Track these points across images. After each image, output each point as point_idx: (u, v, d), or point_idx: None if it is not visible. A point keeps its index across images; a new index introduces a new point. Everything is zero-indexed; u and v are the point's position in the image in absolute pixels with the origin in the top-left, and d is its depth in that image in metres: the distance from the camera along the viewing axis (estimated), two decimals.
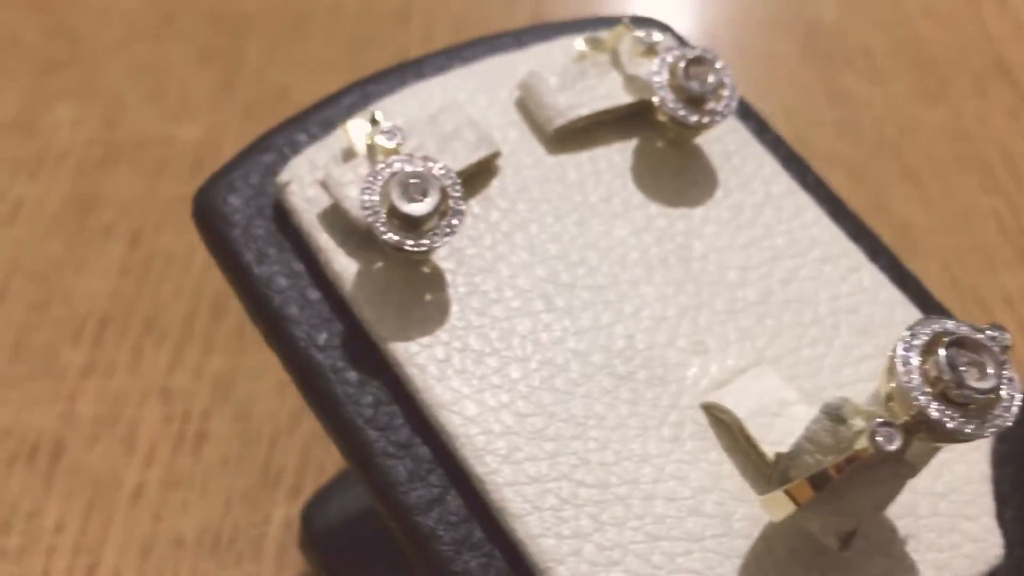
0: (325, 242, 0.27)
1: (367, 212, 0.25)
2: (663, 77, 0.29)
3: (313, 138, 0.30)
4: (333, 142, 0.29)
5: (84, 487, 0.41)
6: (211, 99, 0.58)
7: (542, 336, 0.26)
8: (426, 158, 0.26)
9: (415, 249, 0.25)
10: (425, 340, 0.26)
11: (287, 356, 0.26)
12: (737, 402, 0.25)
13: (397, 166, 0.25)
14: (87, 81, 0.59)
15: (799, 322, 0.28)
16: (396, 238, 0.25)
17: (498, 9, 0.65)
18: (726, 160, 0.30)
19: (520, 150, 0.29)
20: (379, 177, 0.25)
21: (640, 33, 0.30)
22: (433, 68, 0.32)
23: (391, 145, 0.26)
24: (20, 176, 0.53)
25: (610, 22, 0.34)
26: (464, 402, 0.25)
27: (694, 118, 0.29)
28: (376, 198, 0.25)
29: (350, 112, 0.30)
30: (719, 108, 0.29)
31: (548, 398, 0.25)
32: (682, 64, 0.28)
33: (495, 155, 0.29)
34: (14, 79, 0.58)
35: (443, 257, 0.27)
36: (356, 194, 0.27)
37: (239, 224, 0.28)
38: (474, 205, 0.28)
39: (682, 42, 0.33)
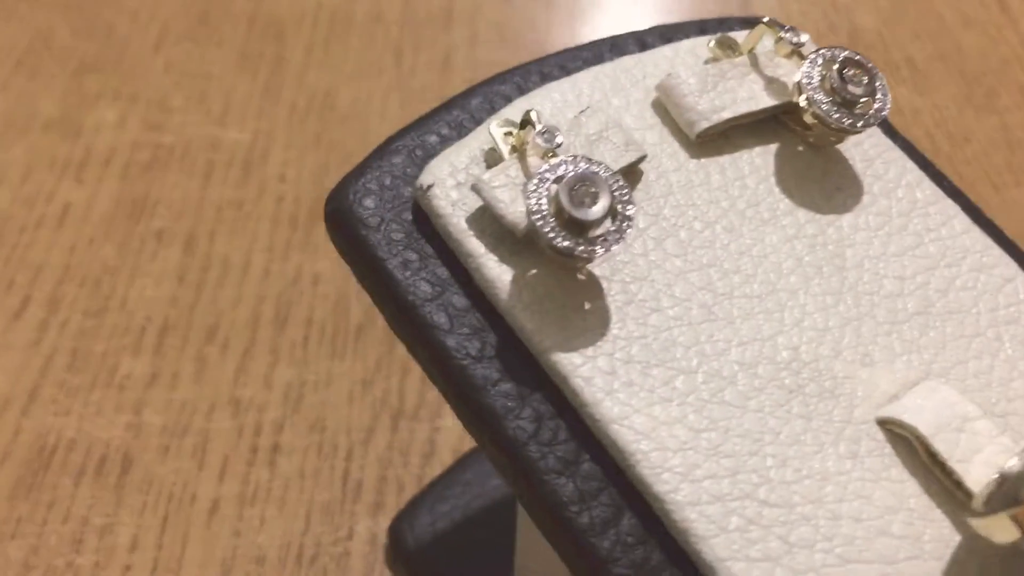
0: (475, 247, 0.26)
1: (536, 217, 0.24)
2: (815, 79, 0.28)
3: (444, 140, 0.28)
4: (472, 143, 0.27)
5: (158, 502, 0.39)
6: (255, 103, 0.56)
7: (705, 347, 0.25)
8: (590, 160, 0.25)
9: (585, 256, 0.24)
10: (588, 351, 0.25)
11: (439, 368, 0.25)
12: (916, 417, 0.24)
13: (564, 168, 0.24)
14: (126, 82, 0.57)
15: (962, 334, 0.27)
16: (567, 244, 0.24)
17: (538, 13, 0.64)
18: (867, 165, 0.29)
19: (661, 154, 0.28)
20: (545, 180, 0.24)
21: (786, 33, 0.28)
22: (557, 69, 0.31)
23: (549, 146, 0.25)
24: (65, 178, 0.51)
25: (730, 23, 0.33)
26: (635, 416, 0.24)
27: (847, 121, 0.28)
28: (544, 202, 0.24)
29: (478, 113, 0.29)
30: (870, 112, 0.28)
31: (719, 412, 0.24)
32: (835, 66, 0.28)
33: (641, 159, 0.27)
34: (51, 79, 0.57)
35: (595, 264, 0.26)
36: (509, 198, 0.25)
37: (378, 228, 0.26)
38: None
39: None
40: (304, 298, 0.47)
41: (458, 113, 0.29)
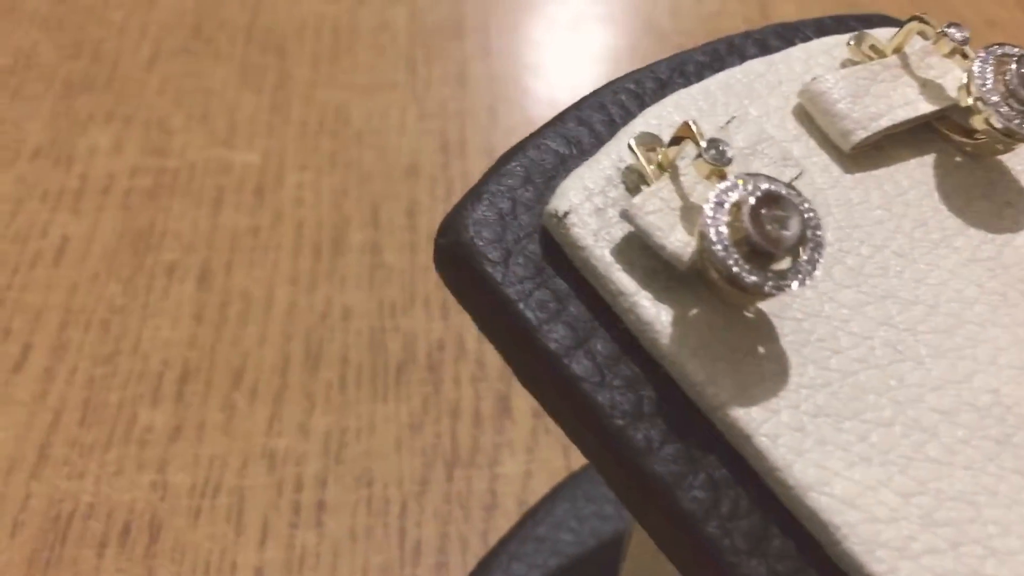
0: (626, 284, 0.22)
1: (717, 248, 0.20)
2: (988, 79, 0.24)
3: (564, 159, 0.24)
4: (604, 162, 0.23)
5: (194, 573, 0.35)
6: (262, 120, 0.52)
7: (897, 394, 0.22)
8: (770, 178, 0.21)
9: (774, 291, 0.20)
10: (771, 404, 0.21)
11: (592, 428, 0.21)
12: None
13: (743, 189, 0.20)
14: (120, 102, 0.52)
15: None
16: (755, 279, 0.20)
17: (550, 21, 0.60)
18: None
19: (812, 169, 0.25)
20: (723, 203, 0.20)
21: (950, 29, 0.25)
22: (677, 75, 0.27)
23: (719, 164, 0.21)
24: (60, 209, 0.46)
25: (846, 22, 0.29)
26: (835, 481, 0.20)
27: None
28: (723, 230, 0.20)
29: (597, 127, 0.25)
30: None
31: (927, 471, 0.21)
32: (1013, 65, 0.24)
33: (799, 176, 0.24)
34: (37, 101, 0.52)
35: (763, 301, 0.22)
36: (667, 225, 0.21)
37: (504, 263, 0.22)
38: None
39: None
40: (336, 334, 0.42)
41: (574, 127, 0.25)
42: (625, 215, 0.22)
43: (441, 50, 0.58)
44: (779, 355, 0.21)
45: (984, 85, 0.24)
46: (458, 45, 0.58)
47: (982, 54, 0.24)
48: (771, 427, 0.20)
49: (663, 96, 0.26)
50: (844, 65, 0.27)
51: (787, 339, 0.22)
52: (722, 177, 0.21)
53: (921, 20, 0.25)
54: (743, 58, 0.27)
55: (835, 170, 0.25)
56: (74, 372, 0.40)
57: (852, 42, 0.26)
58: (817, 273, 0.20)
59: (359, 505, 0.37)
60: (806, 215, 0.20)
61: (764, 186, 0.20)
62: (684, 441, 0.21)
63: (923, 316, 0.23)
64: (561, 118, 0.26)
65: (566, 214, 0.22)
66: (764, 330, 0.22)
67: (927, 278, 0.23)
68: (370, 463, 0.38)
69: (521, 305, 0.22)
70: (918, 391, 0.22)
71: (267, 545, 0.36)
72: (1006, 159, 0.26)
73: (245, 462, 0.38)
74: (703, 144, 0.21)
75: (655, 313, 0.21)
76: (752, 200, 0.20)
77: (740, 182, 0.21)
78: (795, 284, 0.20)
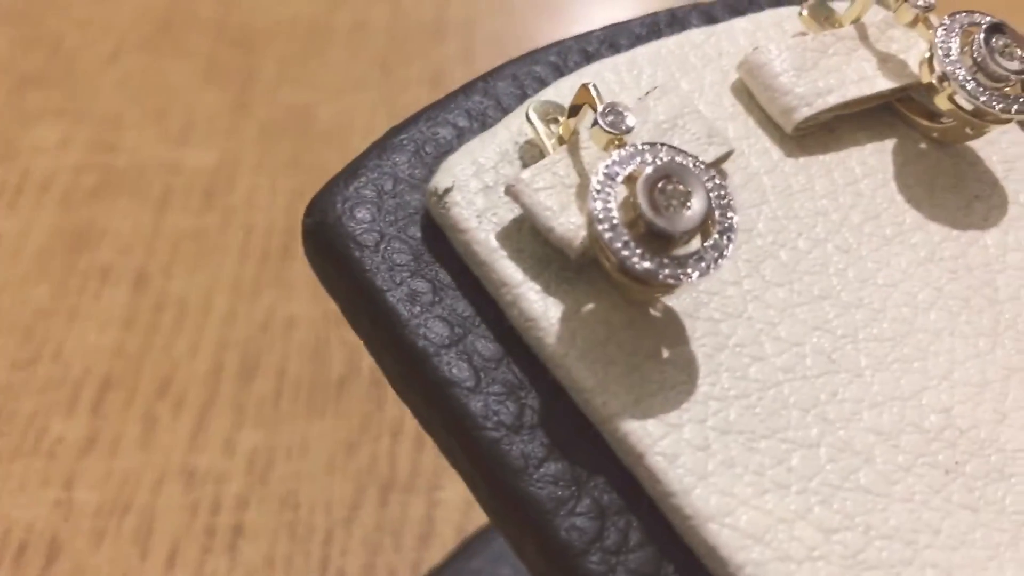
0: (510, 273, 0.18)
1: (603, 227, 0.17)
2: (953, 51, 0.21)
3: (463, 133, 0.21)
4: (502, 135, 0.20)
5: None
6: (222, 121, 0.49)
7: (827, 410, 0.18)
8: (674, 149, 0.18)
9: (671, 282, 0.17)
10: (671, 417, 0.17)
11: (461, 441, 0.18)
12: None
13: (639, 160, 0.17)
14: (73, 98, 0.50)
15: None
16: (648, 266, 0.17)
17: (541, 23, 0.57)
18: (1009, 168, 0.23)
19: (748, 151, 0.21)
20: (614, 176, 0.17)
21: None
22: (605, 47, 0.24)
23: (616, 132, 0.18)
24: None
25: None
26: (741, 511, 0.17)
27: (998, 105, 0.21)
28: (613, 207, 0.17)
29: (506, 100, 0.22)
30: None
31: (856, 503, 0.17)
32: (980, 35, 0.21)
33: (727, 155, 0.20)
34: None
35: (675, 295, 0.19)
36: (559, 204, 0.18)
37: (376, 248, 0.19)
38: None
39: None
40: (276, 346, 0.39)
41: (480, 99, 0.22)
42: (510, 191, 0.19)
43: (419, 51, 0.55)
44: (687, 361, 0.18)
45: (948, 58, 0.21)
46: (439, 46, 0.55)
47: (946, 22, 0.21)
48: (669, 444, 0.17)
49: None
50: (797, 37, 0.23)
51: (699, 342, 0.18)
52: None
53: None
54: (685, 30, 0.24)
55: (775, 153, 0.21)
56: None
57: (804, 12, 0.23)
58: (723, 263, 0.17)
59: (280, 530, 0.34)
60: (714, 193, 0.17)
61: (665, 157, 0.17)
62: (568, 459, 0.18)
63: (866, 321, 0.19)
64: (466, 89, 0.23)
65: (447, 191, 0.19)
66: (672, 331, 0.18)
67: (875, 278, 0.20)
68: (298, 485, 0.35)
69: (389, 295, 0.19)
70: (853, 408, 0.18)
71: (174, 571, 0.32)
72: (978, 146, 0.23)
73: (160, 479, 0.35)
74: (600, 108, 0.18)
75: (542, 308, 0.18)
76: (648, 171, 0.17)
77: (639, 151, 0.17)
78: (696, 274, 0.17)
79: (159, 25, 0.55)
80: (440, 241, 0.19)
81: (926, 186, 0.22)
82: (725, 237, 0.17)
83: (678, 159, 0.17)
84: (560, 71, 0.23)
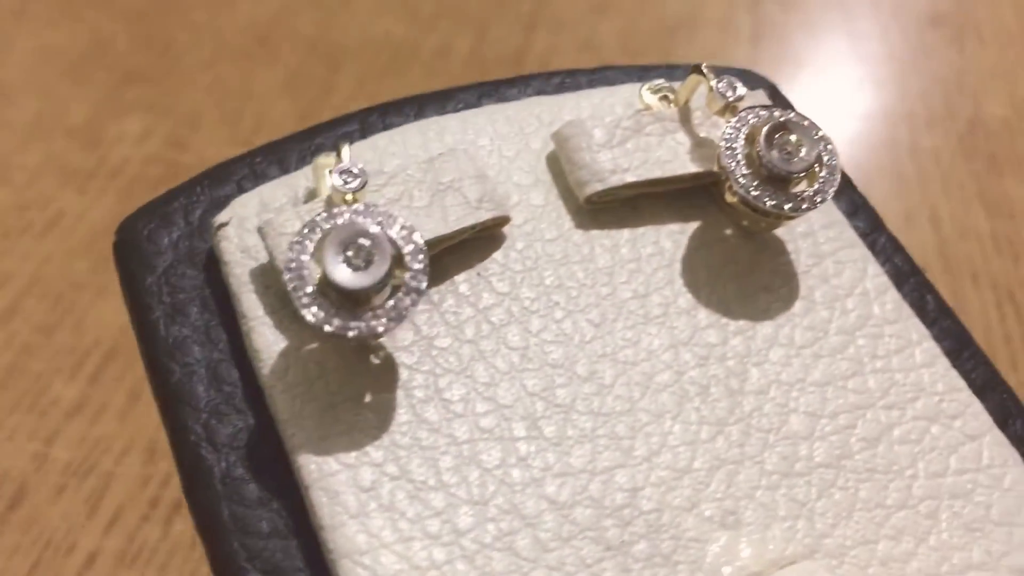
0: (250, 306, 0.20)
1: (289, 276, 0.18)
2: (738, 144, 0.21)
3: (286, 173, 0.23)
4: (299, 180, 0.22)
5: (34, 545, 0.35)
6: (286, 127, 0.52)
7: (513, 473, 0.19)
8: (387, 213, 0.19)
9: (341, 334, 0.18)
10: (350, 456, 0.19)
11: (175, 450, 0.20)
12: None
13: (342, 219, 0.19)
14: (165, 96, 0.54)
15: (881, 502, 0.20)
16: (319, 316, 0.18)
17: (619, 63, 0.58)
18: (816, 263, 0.23)
19: (541, 218, 0.22)
20: (315, 231, 0.19)
21: (719, 83, 0.22)
22: (463, 103, 0.25)
23: (347, 190, 0.20)
24: (68, 187, 0.49)
25: (725, 74, 0.27)
26: (381, 553, 0.18)
27: (771, 202, 0.21)
28: (304, 258, 0.18)
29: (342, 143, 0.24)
30: (810, 193, 0.21)
31: (500, 563, 0.18)
32: (766, 129, 0.21)
33: (500, 221, 0.22)
34: (92, 86, 0.55)
35: (405, 345, 0.20)
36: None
37: (159, 269, 0.22)
38: (461, 283, 0.21)
39: (785, 105, 0.26)
40: None
41: (320, 140, 0.24)
42: (259, 231, 0.20)
43: (489, 79, 0.57)
44: (387, 407, 0.20)
45: (730, 151, 0.21)
46: (509, 75, 0.57)
47: (741, 114, 0.22)
48: (336, 482, 0.19)
49: None
50: (637, 114, 0.24)
51: (409, 392, 0.20)
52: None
53: (705, 72, 0.23)
54: (540, 94, 0.26)
55: (567, 224, 0.22)
56: (13, 337, 0.42)
57: (644, 89, 0.24)
58: (405, 323, 0.19)
59: None
60: (407, 258, 0.19)
61: (360, 220, 0.19)
62: (260, 481, 0.19)
63: (590, 395, 0.20)
64: (312, 131, 0.25)
65: (223, 225, 0.21)
66: (383, 378, 0.20)
67: (618, 354, 0.21)
68: None
69: (156, 313, 0.21)
70: (540, 474, 0.19)
71: (111, 533, 0.36)
72: (791, 238, 0.23)
73: (127, 450, 0.38)
74: (339, 166, 0.20)
75: (268, 341, 0.20)
76: (338, 231, 0.18)
77: (347, 213, 0.19)
78: (358, 328, 0.18)
79: (260, 36, 0.59)
80: (219, 272, 0.22)
81: (713, 272, 0.22)
82: (408, 299, 0.18)
83: (368, 223, 0.19)
84: (390, 126, 0.24)
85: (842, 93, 0.57)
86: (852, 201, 0.25)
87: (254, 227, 0.21)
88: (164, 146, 0.51)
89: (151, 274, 0.21)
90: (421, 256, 0.19)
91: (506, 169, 0.23)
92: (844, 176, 0.25)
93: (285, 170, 0.23)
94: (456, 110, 0.25)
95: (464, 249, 0.22)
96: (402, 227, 0.19)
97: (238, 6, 0.61)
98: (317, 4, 0.62)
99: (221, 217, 0.21)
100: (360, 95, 0.55)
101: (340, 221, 0.19)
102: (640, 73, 0.26)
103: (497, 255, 0.22)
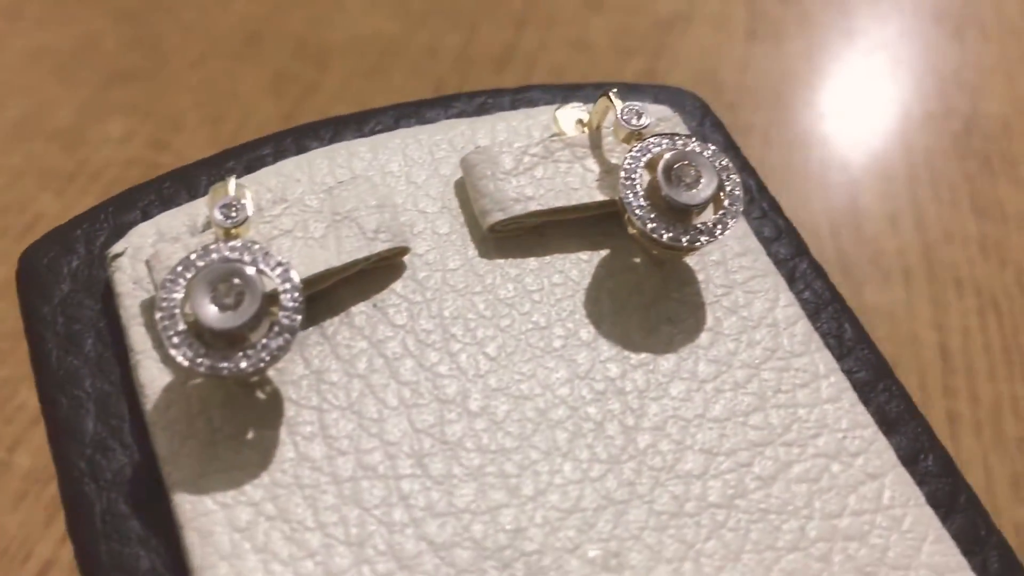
0: (138, 340, 0.20)
1: (160, 315, 0.18)
2: (637, 175, 0.21)
3: (195, 199, 0.23)
4: (200, 208, 0.22)
5: None
6: (269, 128, 0.52)
7: (394, 513, 0.19)
8: (263, 250, 0.19)
9: (212, 375, 0.18)
10: (227, 496, 0.19)
11: (59, 486, 0.20)
12: None
13: (216, 256, 0.19)
14: (151, 97, 0.54)
15: (772, 543, 0.19)
16: (188, 356, 0.18)
17: (608, 61, 0.58)
18: (725, 292, 0.22)
19: (446, 247, 0.22)
20: (189, 268, 0.19)
21: (623, 110, 0.22)
22: (381, 124, 0.25)
23: (227, 226, 0.19)
24: (48, 189, 0.49)
25: (643, 91, 0.26)
26: None
27: (668, 235, 0.21)
28: (177, 296, 0.18)
29: (257, 168, 0.24)
30: (710, 225, 0.21)
31: None
32: (664, 160, 0.21)
33: (399, 252, 0.21)
34: (80, 86, 0.55)
35: (294, 380, 0.20)
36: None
37: (56, 299, 0.22)
38: (357, 314, 0.21)
39: (715, 126, 0.26)
40: None
41: (233, 164, 0.24)
42: (146, 263, 0.20)
43: (477, 77, 0.56)
44: (270, 445, 0.19)
45: (628, 181, 0.21)
46: (497, 74, 0.57)
47: (641, 145, 0.21)
48: (210, 521, 0.18)
49: None
50: (551, 139, 0.24)
51: (294, 429, 0.20)
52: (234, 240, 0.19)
53: (613, 97, 0.22)
54: (460, 115, 0.25)
55: (472, 252, 0.22)
56: None
57: (557, 112, 0.24)
58: (278, 364, 0.18)
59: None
60: (282, 296, 0.18)
61: (235, 256, 0.18)
62: (143, 520, 0.19)
63: (480, 431, 0.20)
64: (228, 153, 0.25)
65: (117, 256, 0.21)
66: (268, 415, 0.20)
67: (512, 388, 0.20)
68: None
69: (49, 344, 0.21)
70: (420, 514, 0.19)
71: (68, 542, 0.36)
72: (702, 267, 0.22)
73: None
74: (223, 200, 0.20)
75: (153, 376, 0.20)
76: (210, 269, 0.18)
77: (222, 251, 0.19)
78: (227, 367, 0.18)
79: (248, 35, 0.59)
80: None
81: (619, 302, 0.22)
82: (281, 339, 0.18)
83: (249, 261, 0.18)
84: (302, 150, 0.24)
85: (838, 90, 0.56)
86: (776, 226, 0.24)
87: (150, 257, 0.21)
88: (145, 148, 0.51)
89: (47, 304, 0.21)
90: (296, 295, 0.18)
91: (413, 196, 0.23)
92: (770, 199, 0.25)
93: (194, 196, 0.23)
94: (374, 132, 0.25)
95: (363, 279, 0.21)
96: (278, 264, 0.19)
97: (230, 4, 0.61)
98: (310, 1, 0.62)
99: (116, 247, 0.21)
100: (344, 95, 0.55)
101: (214, 258, 0.18)
102: (565, 93, 0.26)
103: (397, 285, 0.21)
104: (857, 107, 0.55)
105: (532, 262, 0.22)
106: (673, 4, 0.62)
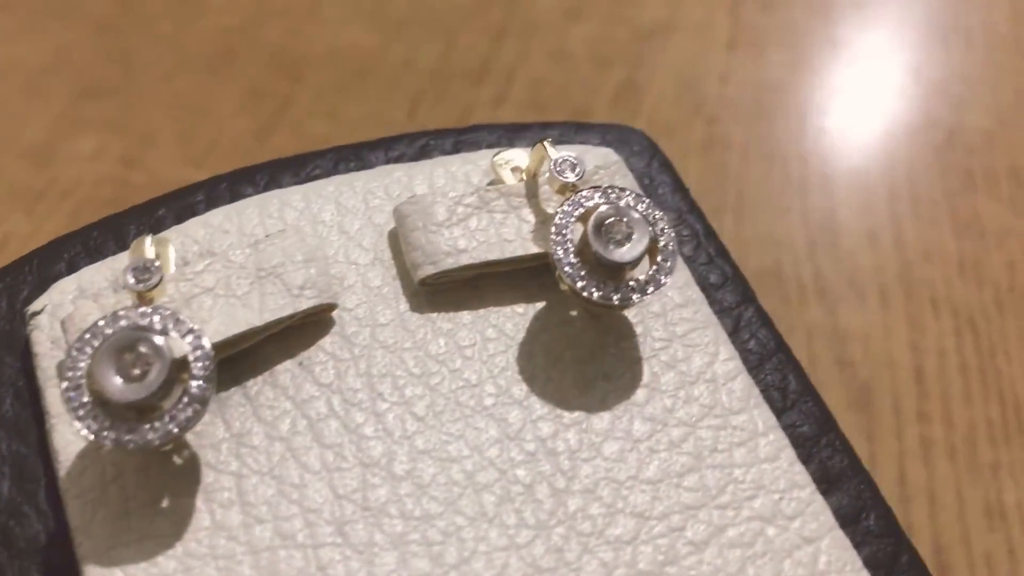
0: (54, 403, 0.20)
1: (66, 385, 0.18)
2: (568, 229, 0.20)
3: (124, 250, 0.23)
4: (124, 261, 0.22)
5: None
6: (241, 144, 0.52)
7: None
8: (175, 316, 0.18)
9: (115, 447, 0.18)
10: (139, 568, 0.18)
11: None
12: None
13: (124, 323, 0.18)
14: (122, 112, 0.54)
15: None
16: (92, 428, 0.18)
17: (588, 72, 0.57)
18: (664, 346, 0.22)
19: (377, 301, 0.22)
20: (97, 336, 0.18)
21: (556, 162, 0.21)
22: (319, 168, 0.24)
23: (139, 288, 0.19)
24: (16, 209, 0.48)
25: (594, 131, 0.26)
26: None
27: (599, 294, 0.20)
28: (82, 365, 0.18)
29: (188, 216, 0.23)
30: (643, 282, 0.20)
31: None
32: (596, 215, 0.20)
33: (326, 308, 0.21)
34: (51, 102, 0.54)
35: (213, 443, 0.20)
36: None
37: None
38: (281, 373, 0.20)
39: (662, 166, 0.25)
40: None
41: (163, 214, 0.24)
42: (63, 324, 0.20)
43: (454, 92, 0.56)
44: (185, 513, 0.19)
45: (559, 236, 0.20)
46: (474, 88, 0.56)
47: (573, 198, 0.21)
48: None
49: None
50: (489, 186, 0.23)
51: (211, 496, 0.19)
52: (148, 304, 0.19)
53: (548, 145, 0.22)
54: (397, 161, 0.25)
55: (403, 307, 0.22)
56: None
57: (496, 158, 0.23)
58: (196, 428, 0.18)
59: None
60: (193, 364, 0.18)
61: (138, 323, 0.18)
62: None
63: (404, 495, 0.19)
64: (166, 199, 0.24)
65: (35, 314, 0.21)
66: (185, 481, 0.19)
67: (439, 450, 0.20)
68: None
69: None
70: None
71: None
72: (641, 319, 0.22)
73: None
74: (132, 263, 0.19)
75: (67, 441, 0.19)
76: (115, 337, 0.18)
77: (130, 316, 0.18)
78: (134, 439, 0.17)
79: (224, 47, 0.58)
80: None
81: (554, 357, 0.21)
82: (191, 409, 0.18)
83: (156, 328, 0.18)
84: (236, 198, 0.23)
85: (821, 101, 0.56)
86: (723, 272, 0.24)
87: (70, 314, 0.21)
88: (117, 165, 0.51)
89: None
90: (207, 363, 0.18)
91: (345, 247, 0.22)
92: (717, 244, 0.24)
93: (121, 246, 0.23)
94: (311, 176, 0.24)
95: (290, 336, 0.21)
96: (189, 331, 0.18)
97: (206, 16, 0.61)
98: (286, 12, 0.61)
99: (35, 305, 0.21)
100: (318, 110, 0.54)
101: (123, 324, 0.18)
102: (510, 134, 0.25)
103: (325, 342, 0.21)
104: (840, 118, 0.55)
105: (466, 316, 0.22)
106: (654, 13, 0.62)
